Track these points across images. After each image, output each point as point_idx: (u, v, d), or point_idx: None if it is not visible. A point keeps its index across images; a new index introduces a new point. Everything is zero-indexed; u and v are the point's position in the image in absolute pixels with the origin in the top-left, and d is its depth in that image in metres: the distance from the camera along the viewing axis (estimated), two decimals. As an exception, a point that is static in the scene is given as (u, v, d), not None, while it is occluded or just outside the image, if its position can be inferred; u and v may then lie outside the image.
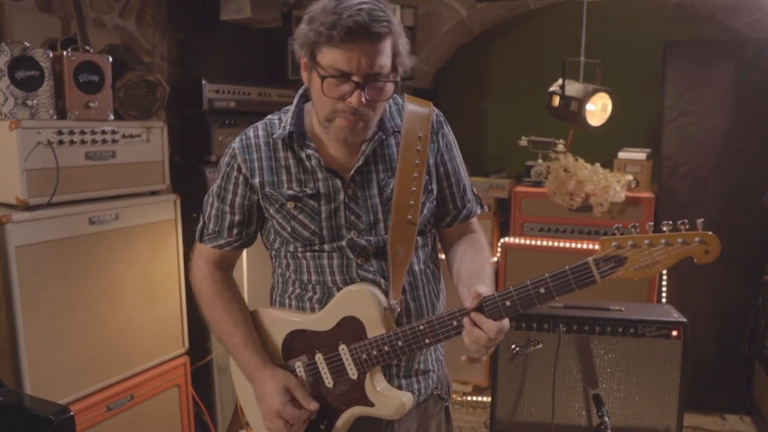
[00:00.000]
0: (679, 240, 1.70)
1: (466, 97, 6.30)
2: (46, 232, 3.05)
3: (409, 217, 2.04)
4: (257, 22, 4.66)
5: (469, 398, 5.30)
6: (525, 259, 4.88)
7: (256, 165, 2.08)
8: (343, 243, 2.05)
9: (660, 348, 3.23)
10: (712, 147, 4.79)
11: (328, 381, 2.08)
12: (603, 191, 4.60)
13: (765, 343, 4.60)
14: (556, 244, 4.81)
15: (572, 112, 4.62)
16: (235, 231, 2.17)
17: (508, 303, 1.83)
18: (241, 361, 2.16)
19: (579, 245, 4.75)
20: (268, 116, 2.18)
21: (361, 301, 2.01)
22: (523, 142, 5.16)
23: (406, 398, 2.04)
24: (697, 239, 1.69)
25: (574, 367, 3.31)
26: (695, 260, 1.72)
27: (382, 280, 2.06)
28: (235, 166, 2.10)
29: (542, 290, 1.81)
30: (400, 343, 1.96)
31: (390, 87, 1.93)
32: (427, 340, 1.94)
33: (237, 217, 2.15)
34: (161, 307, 3.67)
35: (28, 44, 3.00)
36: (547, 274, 1.81)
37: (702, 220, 1.72)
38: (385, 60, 1.87)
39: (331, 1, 1.82)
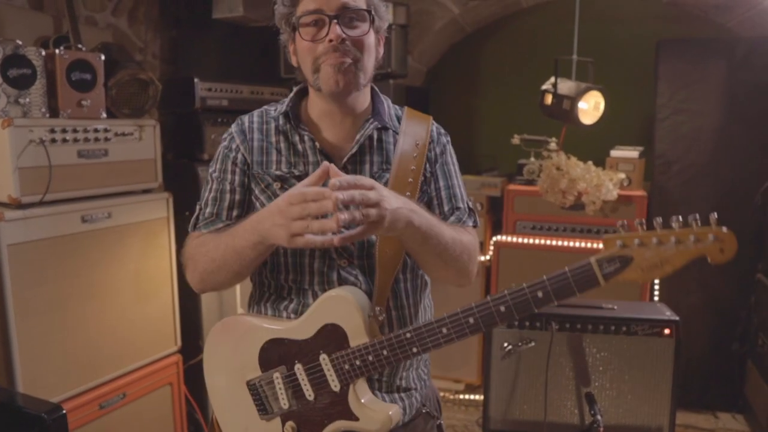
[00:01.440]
0: (691, 237, 1.57)
1: (459, 96, 6.30)
2: (38, 230, 3.05)
3: None
4: (250, 20, 4.65)
5: (461, 396, 5.30)
6: (517, 257, 4.88)
7: (248, 146, 2.05)
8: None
9: (652, 346, 3.23)
10: (704, 145, 4.80)
11: (309, 393, 1.93)
12: (595, 189, 4.60)
13: (757, 341, 4.61)
14: (548, 242, 4.81)
15: (565, 110, 4.63)
16: (234, 213, 2.05)
17: (502, 308, 1.72)
18: (236, 233, 1.90)
19: (572, 243, 4.76)
20: (265, 106, 2.16)
21: (343, 307, 1.88)
22: (516, 140, 5.16)
23: (393, 411, 1.90)
24: (711, 237, 1.57)
25: (567, 366, 3.31)
26: (709, 260, 1.59)
27: (363, 284, 1.96)
28: (233, 147, 2.07)
29: (540, 294, 1.69)
30: (385, 353, 1.82)
31: (367, 24, 1.93)
32: (414, 349, 1.81)
33: (237, 197, 2.05)
34: (154, 305, 3.67)
35: (20, 42, 2.99)
36: (545, 277, 1.69)
37: (716, 214, 1.59)
38: None
39: None
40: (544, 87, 4.85)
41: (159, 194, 3.68)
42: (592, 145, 5.11)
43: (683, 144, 4.84)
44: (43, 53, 3.08)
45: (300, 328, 1.94)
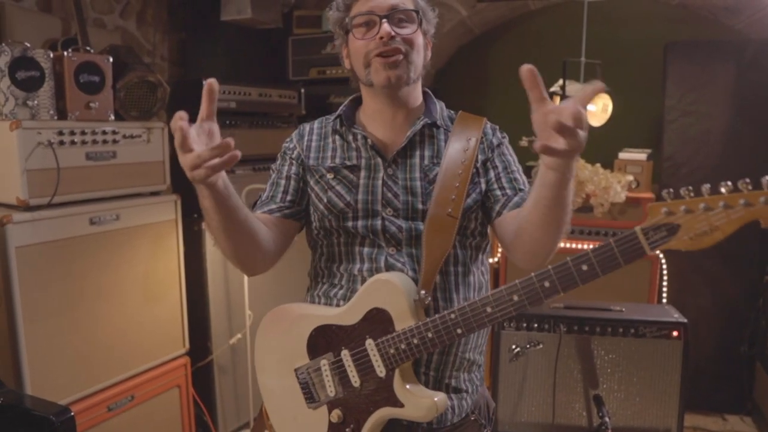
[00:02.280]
0: (741, 201, 1.50)
1: (467, 97, 6.28)
2: (46, 232, 3.06)
3: (449, 210, 1.99)
4: (258, 22, 4.66)
5: (469, 399, 5.28)
6: (526, 259, 4.86)
7: (305, 145, 2.18)
8: (377, 223, 2.02)
9: (661, 348, 3.23)
10: (713, 147, 4.78)
11: (355, 380, 1.96)
12: (603, 192, 4.59)
13: (766, 343, 4.60)
14: (595, 246, 4.80)
15: (573, 112, 4.61)
16: (288, 197, 2.15)
17: (546, 284, 1.73)
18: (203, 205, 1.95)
19: (580, 246, 4.74)
20: (325, 117, 2.28)
21: (389, 292, 1.92)
22: (524, 142, 5.14)
23: (439, 398, 1.90)
24: (762, 199, 1.49)
25: (575, 368, 3.31)
26: (762, 224, 1.50)
27: (410, 271, 2.00)
28: (291, 147, 2.21)
29: (584, 267, 1.68)
30: (429, 335, 1.84)
31: (415, 24, 2.04)
32: (459, 330, 1.82)
33: (292, 183, 2.16)
34: (162, 307, 3.67)
35: (28, 45, 3.00)
36: (589, 250, 1.67)
37: None
38: (406, 1, 2.04)
39: None
40: (552, 89, 4.83)
41: (167, 196, 3.69)
42: (600, 148, 5.08)
43: (692, 146, 4.82)
44: (52, 55, 3.09)
45: (347, 313, 1.99)
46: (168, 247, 3.69)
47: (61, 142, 3.11)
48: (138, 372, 3.56)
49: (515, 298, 1.77)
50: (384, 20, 1.97)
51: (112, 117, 3.36)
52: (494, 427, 3.41)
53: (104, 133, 3.31)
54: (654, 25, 5.53)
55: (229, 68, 4.79)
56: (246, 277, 4.19)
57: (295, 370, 2.08)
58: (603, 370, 3.28)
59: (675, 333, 3.22)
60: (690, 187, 1.56)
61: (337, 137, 2.16)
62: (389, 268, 2.01)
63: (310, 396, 2.06)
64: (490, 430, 2.25)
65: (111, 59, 3.35)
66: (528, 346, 3.29)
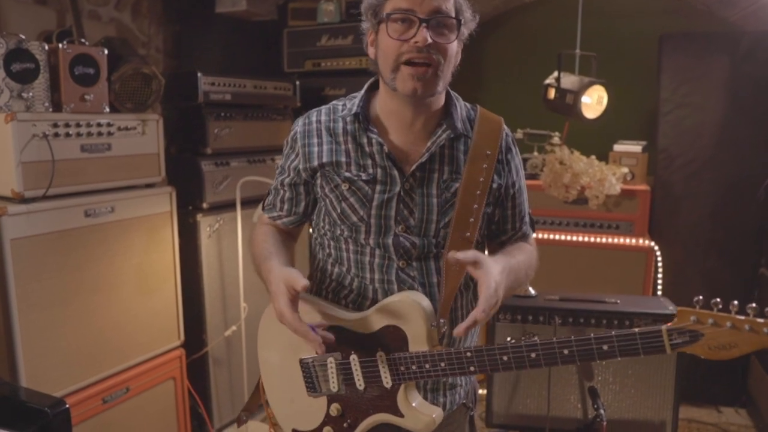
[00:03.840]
0: (765, 330, 1.58)
1: (462, 90, 6.18)
2: (41, 224, 3.05)
3: (467, 234, 1.99)
4: (253, 14, 4.65)
5: (464, 391, 5.29)
6: (521, 251, 4.87)
7: (315, 149, 2.08)
8: (389, 240, 2.01)
9: (655, 340, 3.23)
10: (707, 139, 4.79)
11: (360, 383, 1.99)
12: (599, 184, 4.60)
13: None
14: (551, 236, 4.81)
15: (568, 104, 4.62)
16: (285, 206, 2.21)
17: (566, 352, 1.77)
18: (263, 263, 2.09)
19: (574, 238, 4.75)
20: (333, 101, 2.17)
21: (409, 313, 1.91)
22: (519, 134, 5.15)
23: (437, 414, 1.95)
24: None
25: (570, 360, 3.31)
26: None
27: (419, 286, 2.02)
28: (295, 149, 2.13)
29: (605, 347, 1.72)
30: (443, 365, 1.87)
31: (454, 33, 1.93)
32: (472, 368, 1.85)
33: (287, 194, 2.19)
34: (157, 299, 3.67)
35: (23, 37, 2.99)
36: (613, 333, 1.72)
37: None
38: (446, 3, 1.89)
39: None
40: (547, 81, 4.84)
41: (162, 188, 3.68)
42: (595, 140, 5.11)
43: (686, 138, 4.83)
44: (47, 47, 3.08)
45: (362, 322, 1.99)
46: (163, 239, 3.69)
47: (56, 135, 3.10)
48: (133, 364, 3.56)
49: (533, 355, 1.80)
50: (424, 25, 1.85)
51: (107, 109, 3.36)
52: (490, 419, 3.43)
53: (99, 125, 3.30)
54: (649, 18, 5.52)
55: (224, 60, 4.78)
56: (241, 270, 4.20)
57: (301, 359, 2.10)
58: (598, 362, 3.28)
59: (670, 325, 3.22)
60: (718, 300, 1.63)
61: (349, 138, 2.05)
62: (400, 281, 2.02)
63: (312, 386, 2.09)
64: (474, 413, 2.32)
65: (106, 51, 3.34)
66: (523, 338, 3.29)
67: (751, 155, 4.69)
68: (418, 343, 1.90)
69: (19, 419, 2.23)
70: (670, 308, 3.31)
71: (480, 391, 5.13)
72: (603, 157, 4.89)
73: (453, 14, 1.91)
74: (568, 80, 4.68)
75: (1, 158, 2.98)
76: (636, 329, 1.69)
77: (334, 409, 2.05)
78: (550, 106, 4.82)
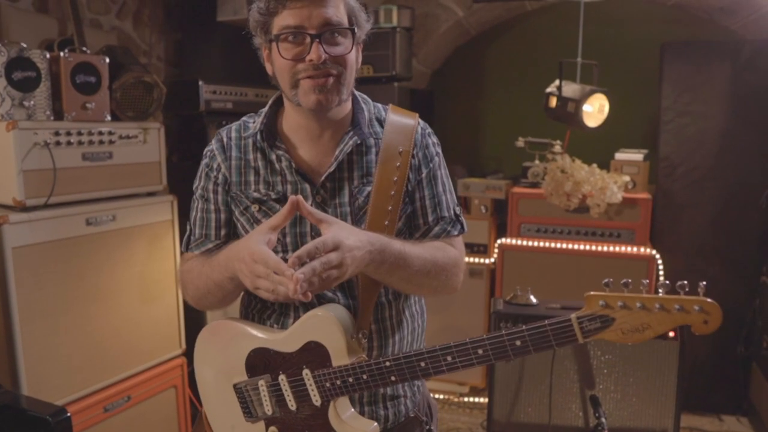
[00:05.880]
0: (676, 306, 1.59)
1: (464, 98, 6.29)
2: (43, 233, 3.06)
3: None
4: (254, 22, 4.66)
5: (465, 399, 5.30)
6: (522, 260, 4.87)
7: (231, 164, 2.02)
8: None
9: (657, 349, 3.23)
10: (709, 148, 4.79)
11: (291, 404, 1.94)
12: (600, 192, 4.60)
13: (762, 344, 4.60)
14: (553, 245, 4.81)
15: (569, 113, 4.62)
16: (223, 232, 2.06)
17: (480, 351, 1.73)
18: (213, 267, 1.94)
19: (576, 246, 4.75)
20: (244, 117, 2.12)
21: (327, 327, 1.87)
22: (520, 143, 5.15)
23: (372, 428, 1.90)
24: (696, 307, 1.58)
25: (571, 368, 3.30)
26: (692, 329, 1.60)
27: (342, 299, 1.96)
28: (214, 167, 2.05)
29: (518, 342, 1.69)
30: (365, 377, 1.83)
31: (350, 40, 1.87)
32: (393, 378, 1.82)
33: (224, 216, 2.05)
34: (158, 308, 3.67)
35: (25, 45, 3.00)
36: (524, 326, 1.69)
37: (704, 284, 1.62)
38: (336, 12, 1.83)
39: None
40: (548, 90, 4.85)
41: (163, 197, 3.69)
42: (596, 148, 5.11)
43: (688, 147, 4.83)
44: (48, 56, 3.09)
45: (285, 341, 1.94)
46: (164, 248, 3.69)
47: (58, 143, 3.11)
48: (134, 372, 3.56)
49: (449, 359, 1.76)
50: (316, 40, 1.79)
51: (109, 117, 3.36)
52: (490, 427, 3.42)
53: (100, 133, 3.31)
54: (650, 26, 5.54)
55: (225, 69, 4.79)
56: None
57: (234, 385, 2.05)
58: (599, 370, 3.28)
59: (671, 333, 3.22)
60: (629, 280, 1.62)
61: (258, 155, 2.01)
62: (320, 297, 1.96)
63: (248, 411, 2.04)
64: (434, 427, 2.24)
65: (107, 60, 3.35)
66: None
67: (753, 163, 4.69)
68: (339, 357, 1.87)
69: (20, 427, 2.23)
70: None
71: (481, 400, 5.15)
72: (604, 165, 4.89)
73: (345, 22, 1.86)
74: (570, 88, 4.68)
75: (2, 167, 2.99)
76: (546, 321, 1.67)
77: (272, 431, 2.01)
78: (551, 114, 4.83)
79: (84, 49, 3.39)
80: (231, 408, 2.08)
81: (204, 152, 2.10)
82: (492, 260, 5.09)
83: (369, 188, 1.96)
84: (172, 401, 3.81)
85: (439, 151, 2.13)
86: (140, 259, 3.55)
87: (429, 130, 2.12)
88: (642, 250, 4.63)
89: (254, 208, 1.98)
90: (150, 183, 3.62)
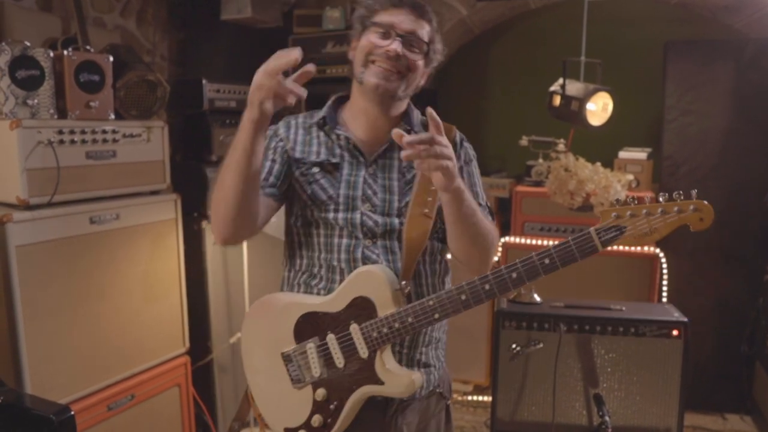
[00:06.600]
0: (675, 209, 1.84)
1: (467, 97, 6.29)
2: (46, 231, 3.06)
3: (426, 210, 2.14)
4: (258, 21, 4.66)
5: (469, 398, 5.29)
6: (525, 258, 4.87)
7: (292, 137, 2.27)
8: (356, 216, 2.16)
9: (661, 347, 3.23)
10: (712, 147, 4.79)
11: (339, 361, 2.11)
12: (604, 191, 4.59)
13: (766, 342, 4.60)
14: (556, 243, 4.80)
15: (573, 111, 4.62)
16: (272, 179, 2.22)
17: (514, 275, 1.95)
18: (238, 140, 2.00)
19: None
20: (311, 111, 2.37)
21: (373, 281, 2.08)
22: (524, 141, 5.15)
23: (416, 376, 2.07)
24: (691, 207, 1.84)
25: (575, 367, 3.30)
26: (690, 227, 1.87)
27: (384, 262, 2.16)
28: (279, 134, 2.28)
29: (547, 261, 1.92)
30: (410, 320, 2.02)
31: (421, 58, 2.17)
32: (436, 315, 2.01)
33: (277, 166, 2.23)
34: (162, 306, 3.67)
35: (28, 44, 3.00)
36: (551, 247, 1.92)
37: (696, 190, 1.86)
38: (423, 32, 2.16)
39: None
40: (552, 88, 4.84)
41: (167, 195, 3.68)
42: (600, 147, 5.10)
43: (691, 145, 4.83)
44: (52, 54, 3.09)
45: (333, 302, 2.14)
46: (168, 247, 3.69)
47: (61, 141, 3.11)
48: (138, 371, 3.55)
49: (487, 287, 1.98)
50: (398, 39, 2.10)
51: (112, 116, 3.36)
52: (494, 426, 3.42)
53: (104, 132, 3.31)
54: (654, 25, 5.53)
55: (229, 67, 4.79)
56: (246, 276, 4.19)
57: (282, 353, 2.20)
58: (603, 369, 3.28)
59: (675, 332, 3.22)
60: (634, 196, 1.90)
61: (321, 134, 2.27)
62: (365, 259, 2.17)
63: (296, 377, 2.19)
64: (450, 403, 2.46)
65: (111, 58, 3.35)
66: (528, 345, 3.29)
67: (757, 162, 4.69)
68: (385, 307, 2.05)
69: (23, 426, 2.23)
70: (676, 315, 3.30)
71: (485, 398, 5.15)
72: (608, 164, 4.88)
73: (426, 39, 2.17)
74: (573, 87, 4.68)
75: (6, 165, 2.99)
76: (570, 238, 1.91)
77: (320, 394, 2.15)
78: (555, 113, 4.82)
79: (88, 47, 3.39)
80: (279, 379, 2.22)
81: (271, 128, 2.28)
82: (496, 259, 5.08)
83: (415, 171, 2.20)
84: (176, 400, 3.81)
85: (474, 158, 2.42)
86: (144, 258, 3.55)
87: (464, 138, 2.40)
88: (645, 248, 4.62)
89: (314, 169, 2.22)
90: (153, 182, 3.62)
